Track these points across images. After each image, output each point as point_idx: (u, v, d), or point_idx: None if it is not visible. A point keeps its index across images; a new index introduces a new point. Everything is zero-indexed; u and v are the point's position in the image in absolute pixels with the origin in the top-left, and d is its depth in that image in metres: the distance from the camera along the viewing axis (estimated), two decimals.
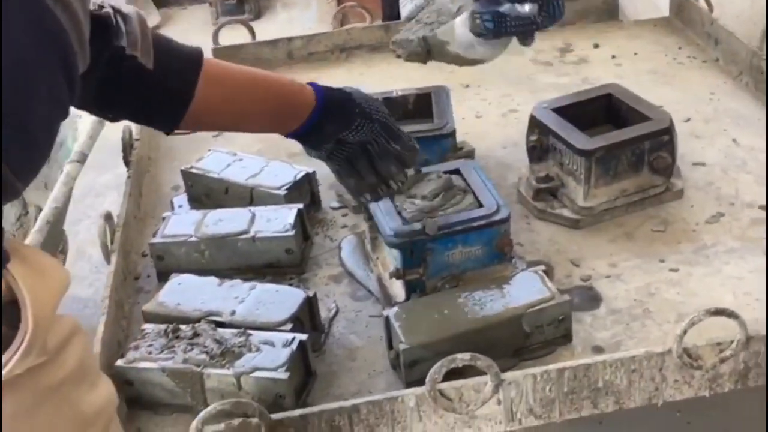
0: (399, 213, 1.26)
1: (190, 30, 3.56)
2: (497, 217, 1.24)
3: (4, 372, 0.74)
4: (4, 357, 0.74)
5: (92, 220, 2.30)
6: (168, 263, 1.38)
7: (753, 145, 1.56)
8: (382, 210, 1.27)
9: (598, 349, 1.17)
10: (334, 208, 1.54)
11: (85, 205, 2.36)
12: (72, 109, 1.08)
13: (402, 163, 1.20)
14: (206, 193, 1.55)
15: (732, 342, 1.06)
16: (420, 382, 1.04)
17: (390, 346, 1.18)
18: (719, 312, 1.04)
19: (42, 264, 0.80)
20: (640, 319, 1.22)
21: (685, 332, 1.03)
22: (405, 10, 2.06)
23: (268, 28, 3.41)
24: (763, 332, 1.08)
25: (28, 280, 0.76)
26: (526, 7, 1.28)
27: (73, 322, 0.83)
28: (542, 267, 1.23)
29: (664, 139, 1.41)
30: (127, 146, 1.62)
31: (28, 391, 0.77)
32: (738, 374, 1.09)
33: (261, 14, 3.60)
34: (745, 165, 1.51)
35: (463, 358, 1.01)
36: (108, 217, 1.38)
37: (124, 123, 1.67)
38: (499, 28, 1.30)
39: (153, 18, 3.56)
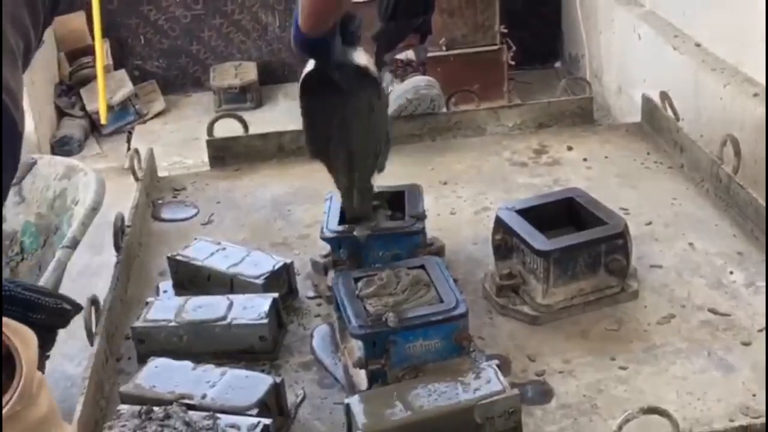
0: (364, 306, 1.35)
1: (193, 116, 3.71)
2: (455, 313, 1.32)
3: (4, 411, 0.92)
4: (4, 399, 0.93)
5: (84, 299, 2.37)
6: (148, 346, 1.45)
7: (708, 250, 1.65)
8: (348, 302, 1.35)
9: None
10: (309, 298, 1.62)
11: (80, 284, 2.44)
12: (68, 199, 1.26)
13: None
14: (190, 279, 1.63)
15: None
16: None
17: None
18: (652, 410, 1.12)
19: (19, 328, 0.99)
20: (588, 414, 1.29)
21: (620, 428, 1.10)
22: (389, 110, 2.19)
23: (268, 117, 3.57)
24: (698, 430, 1.15)
25: (16, 338, 0.96)
26: None
27: (41, 375, 1.00)
28: (496, 361, 1.31)
29: (618, 242, 1.50)
30: (119, 232, 1.72)
31: (17, 428, 0.94)
32: None
33: (262, 103, 3.74)
34: (699, 269, 1.60)
35: None
36: (94, 301, 1.47)
37: (117, 210, 1.78)
38: None
39: (158, 105, 3.71)
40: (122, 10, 3.70)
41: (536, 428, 1.27)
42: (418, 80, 2.18)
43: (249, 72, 3.74)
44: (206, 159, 2.28)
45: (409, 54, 2.23)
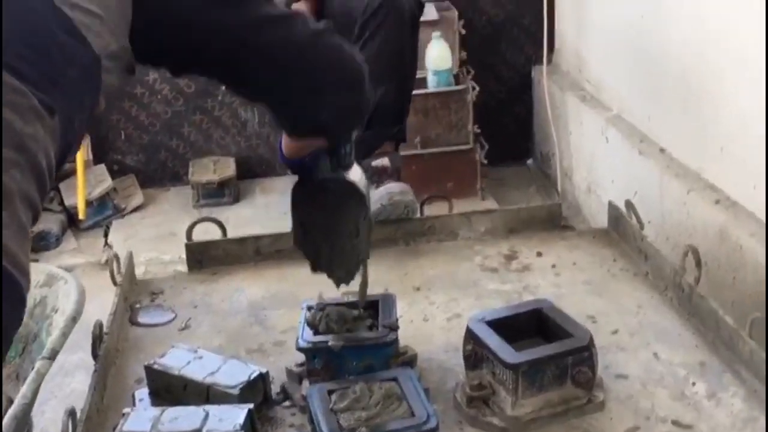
0: (338, 420, 1.38)
1: (171, 210, 3.75)
2: (426, 427, 1.36)
3: None
4: None
5: (59, 400, 2.38)
6: None
7: (671, 360, 1.70)
8: (322, 416, 1.39)
9: None
10: (284, 407, 1.65)
11: (54, 384, 2.44)
12: (48, 307, 1.37)
13: None
14: (166, 388, 1.66)
15: None
16: None
17: None
18: None
19: None
20: None
21: None
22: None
23: (245, 213, 3.62)
24: None
25: None
26: None
27: None
28: None
29: (584, 355, 1.55)
30: (97, 340, 1.74)
31: None
32: None
33: (240, 198, 3.79)
34: (662, 379, 1.65)
35: None
36: (71, 413, 1.49)
37: (97, 317, 1.81)
38: None
39: (136, 199, 3.75)
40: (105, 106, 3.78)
41: None
42: (392, 187, 2.25)
43: (227, 167, 3.80)
44: (183, 255, 2.32)
45: (384, 161, 2.31)
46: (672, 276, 1.91)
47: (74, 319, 1.61)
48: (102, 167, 3.72)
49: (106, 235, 3.55)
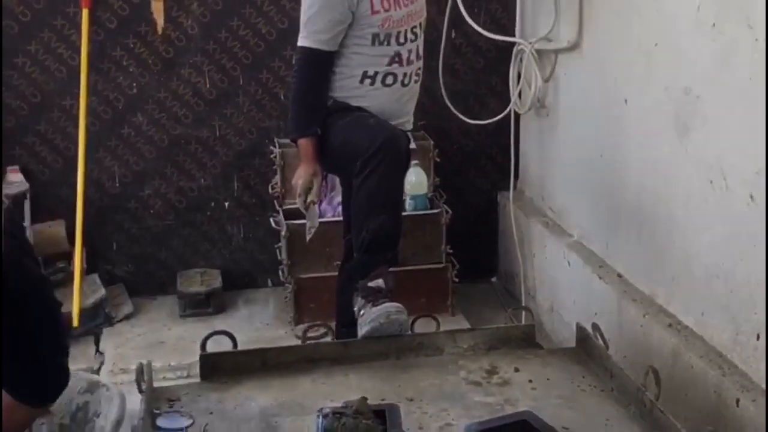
0: None
1: (159, 319, 3.95)
2: None
3: None
4: None
5: None
6: None
7: None
8: None
9: None
10: None
11: None
12: (90, 412, 1.81)
13: None
14: None
15: None
16: None
17: None
18: None
19: None
20: None
21: None
22: (362, 330, 2.51)
23: (228, 322, 3.82)
24: None
25: None
26: None
27: None
28: None
29: None
30: None
31: None
32: None
33: (224, 308, 4.01)
34: None
35: None
36: None
37: (134, 419, 2.01)
38: None
39: (126, 308, 3.95)
40: (98, 219, 4.02)
41: None
42: (389, 307, 2.51)
43: (214, 279, 4.04)
44: (172, 363, 2.50)
45: (379, 282, 2.58)
46: (635, 392, 2.18)
47: (119, 422, 1.82)
48: (95, 276, 3.93)
49: (97, 343, 3.72)
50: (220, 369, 2.43)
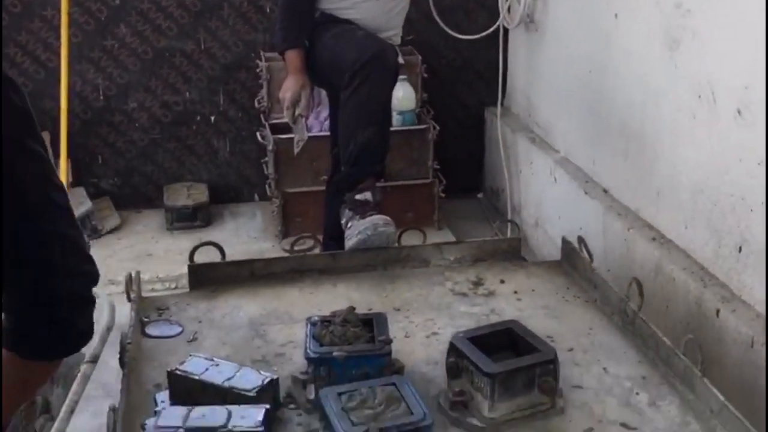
0: (349, 417, 1.65)
1: (146, 232, 3.96)
2: (423, 424, 1.64)
3: None
4: None
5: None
6: None
7: (618, 374, 2.01)
8: (336, 414, 1.65)
9: None
10: (290, 409, 1.90)
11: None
12: None
13: None
14: (186, 391, 1.89)
15: None
16: None
17: None
18: None
19: None
20: None
21: None
22: (349, 242, 2.53)
23: (216, 235, 3.84)
24: None
25: None
26: None
27: None
28: None
29: (550, 367, 1.85)
30: (124, 348, 1.97)
31: None
32: None
33: (211, 222, 4.03)
34: (611, 390, 1.95)
35: None
36: (114, 409, 1.73)
37: (124, 328, 2.04)
38: None
39: (113, 220, 3.96)
40: (83, 132, 3.99)
41: None
42: (377, 219, 2.53)
43: (201, 193, 4.04)
44: (160, 275, 2.52)
45: (366, 195, 2.59)
46: (618, 303, 2.23)
47: (109, 329, 1.84)
48: (81, 190, 3.92)
49: None
50: (209, 279, 2.45)
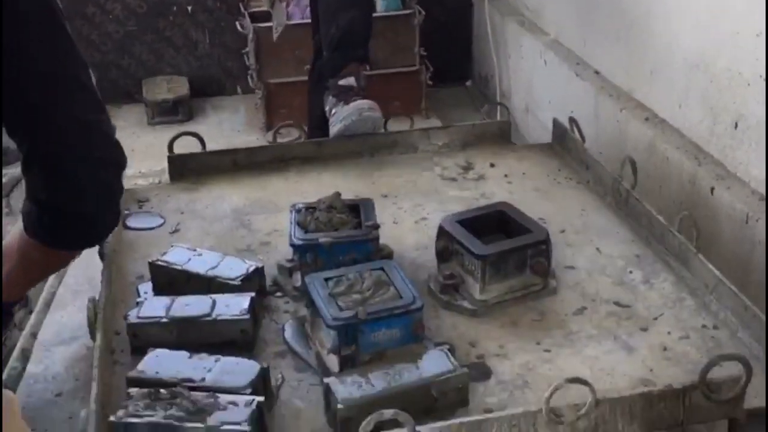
0: (336, 302, 1.60)
1: (126, 127, 3.86)
2: (413, 307, 1.59)
3: None
4: None
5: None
6: (142, 339, 1.67)
7: (611, 253, 1.97)
8: (323, 298, 1.61)
9: (488, 410, 1.51)
10: (277, 297, 1.86)
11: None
12: None
13: None
14: (169, 282, 1.85)
15: (586, 404, 1.42)
16: None
17: (328, 408, 1.50)
18: (576, 380, 1.41)
19: None
20: (520, 388, 1.57)
21: (551, 395, 1.39)
22: (334, 129, 2.45)
23: (198, 129, 3.74)
24: (609, 396, 1.45)
25: None
26: None
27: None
28: (447, 346, 1.59)
29: (542, 248, 1.80)
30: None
31: None
32: (591, 429, 1.45)
33: (193, 116, 3.93)
34: (604, 269, 1.91)
35: (388, 413, 1.35)
36: (94, 300, 1.68)
37: None
38: None
39: None
40: None
41: (480, 400, 1.55)
42: (361, 104, 2.44)
43: (181, 86, 3.93)
44: (143, 170, 2.45)
45: (350, 80, 2.49)
46: (611, 183, 2.17)
47: None
48: None
49: None
50: (190, 170, 2.38)
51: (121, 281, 1.94)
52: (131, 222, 2.17)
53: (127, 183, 2.75)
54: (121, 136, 3.59)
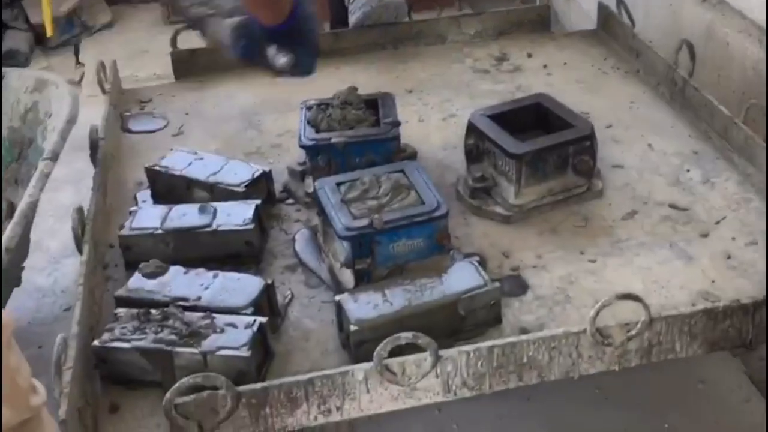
0: (349, 210, 1.40)
1: (141, 28, 3.65)
2: (437, 213, 1.39)
3: None
4: None
5: (50, 213, 2.39)
6: (135, 253, 1.49)
7: (665, 150, 1.74)
8: (334, 207, 1.41)
9: (524, 331, 1.32)
10: (287, 204, 1.67)
11: (42, 199, 2.45)
12: (40, 112, 1.16)
13: None
14: (169, 189, 1.66)
15: (637, 323, 1.22)
16: (367, 359, 1.19)
17: (340, 328, 1.32)
18: (626, 296, 1.21)
19: None
20: (561, 304, 1.38)
21: (597, 314, 1.19)
22: (353, 18, 2.21)
23: None
24: (665, 314, 1.24)
25: None
26: (281, 60, 1.46)
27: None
28: (477, 257, 1.38)
29: (586, 144, 1.57)
30: (95, 144, 1.73)
31: None
32: (643, 351, 1.26)
33: None
34: (657, 169, 1.69)
35: (406, 336, 1.16)
36: (80, 210, 1.50)
37: (92, 122, 1.79)
38: (246, 56, 1.52)
39: (104, 16, 3.64)
40: None
41: (515, 319, 1.35)
42: None
43: None
44: (158, 72, 2.26)
45: None
46: (665, 71, 1.92)
47: (70, 122, 1.59)
48: None
49: (77, 53, 3.46)
50: (196, 67, 2.17)
51: (120, 189, 1.76)
52: (132, 124, 1.98)
53: (139, 86, 2.58)
54: (134, 38, 3.37)
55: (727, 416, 1.75)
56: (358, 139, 1.61)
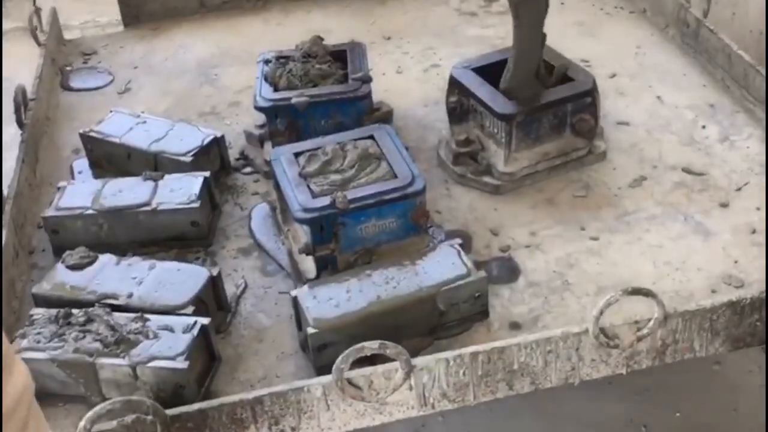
0: (308, 186, 1.19)
1: None
2: (412, 189, 1.18)
3: None
4: None
5: None
6: (64, 237, 1.29)
7: (677, 103, 1.52)
8: (290, 182, 1.20)
9: (515, 325, 1.13)
10: (245, 173, 1.46)
11: None
12: None
13: None
14: (107, 158, 1.45)
15: (649, 320, 1.02)
16: (331, 365, 0.99)
17: (299, 327, 1.12)
18: (636, 291, 1.00)
19: None
20: (558, 292, 1.18)
21: (601, 313, 0.99)
22: None
23: None
24: (682, 309, 1.04)
25: None
26: None
27: None
28: (459, 241, 1.18)
29: (586, 101, 1.36)
30: (20, 106, 1.50)
31: None
32: (656, 351, 1.06)
33: None
34: (669, 125, 1.47)
35: (371, 346, 0.96)
36: None
37: (18, 81, 1.56)
38: None
39: None
40: None
41: (504, 311, 1.15)
42: None
43: None
44: (101, 19, 2.17)
45: None
46: (675, 11, 1.69)
47: None
48: None
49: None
50: (149, 13, 1.94)
51: (55, 156, 1.56)
52: (72, 81, 1.76)
53: (104, 31, 2.34)
54: None
55: (744, 404, 1.56)
56: (323, 98, 1.39)
